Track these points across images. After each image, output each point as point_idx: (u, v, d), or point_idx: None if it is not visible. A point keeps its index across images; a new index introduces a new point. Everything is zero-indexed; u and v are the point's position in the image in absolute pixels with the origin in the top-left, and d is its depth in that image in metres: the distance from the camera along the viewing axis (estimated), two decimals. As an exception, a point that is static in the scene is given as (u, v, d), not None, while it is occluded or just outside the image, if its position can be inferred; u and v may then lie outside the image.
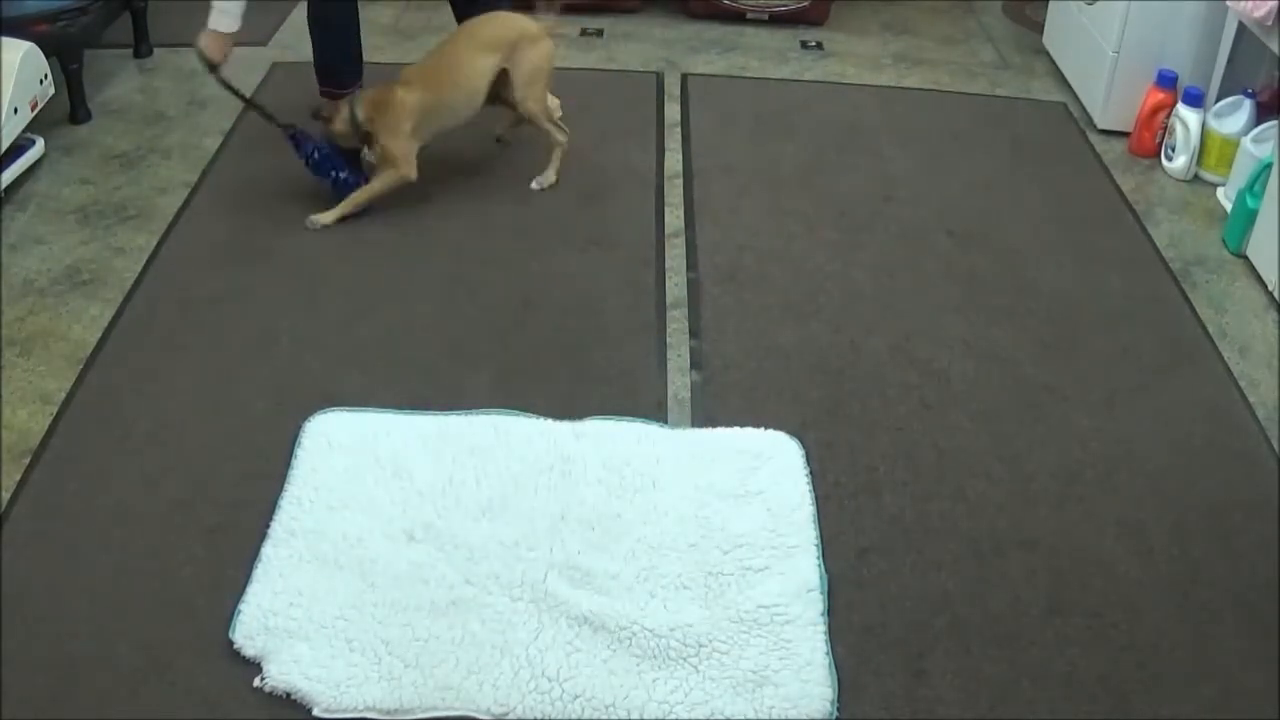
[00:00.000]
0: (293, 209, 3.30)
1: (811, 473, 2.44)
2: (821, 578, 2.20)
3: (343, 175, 3.25)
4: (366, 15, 4.54)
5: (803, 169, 3.59)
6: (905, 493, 2.42)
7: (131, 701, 1.95)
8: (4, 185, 3.27)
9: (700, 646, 2.05)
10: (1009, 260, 3.20)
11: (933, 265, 3.17)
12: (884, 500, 2.40)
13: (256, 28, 4.42)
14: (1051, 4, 4.35)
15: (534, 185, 3.34)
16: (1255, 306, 3.06)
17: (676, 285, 3.05)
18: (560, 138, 3.35)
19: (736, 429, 2.54)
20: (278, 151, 3.61)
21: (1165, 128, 3.69)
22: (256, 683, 1.97)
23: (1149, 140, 3.73)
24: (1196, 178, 3.63)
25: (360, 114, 3.14)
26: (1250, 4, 3.26)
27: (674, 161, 3.61)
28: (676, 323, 2.90)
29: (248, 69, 4.08)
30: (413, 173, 3.18)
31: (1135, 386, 2.76)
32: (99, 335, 2.79)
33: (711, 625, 2.09)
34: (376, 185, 3.19)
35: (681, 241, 3.23)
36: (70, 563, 2.19)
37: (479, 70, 3.18)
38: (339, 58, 3.45)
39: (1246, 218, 3.21)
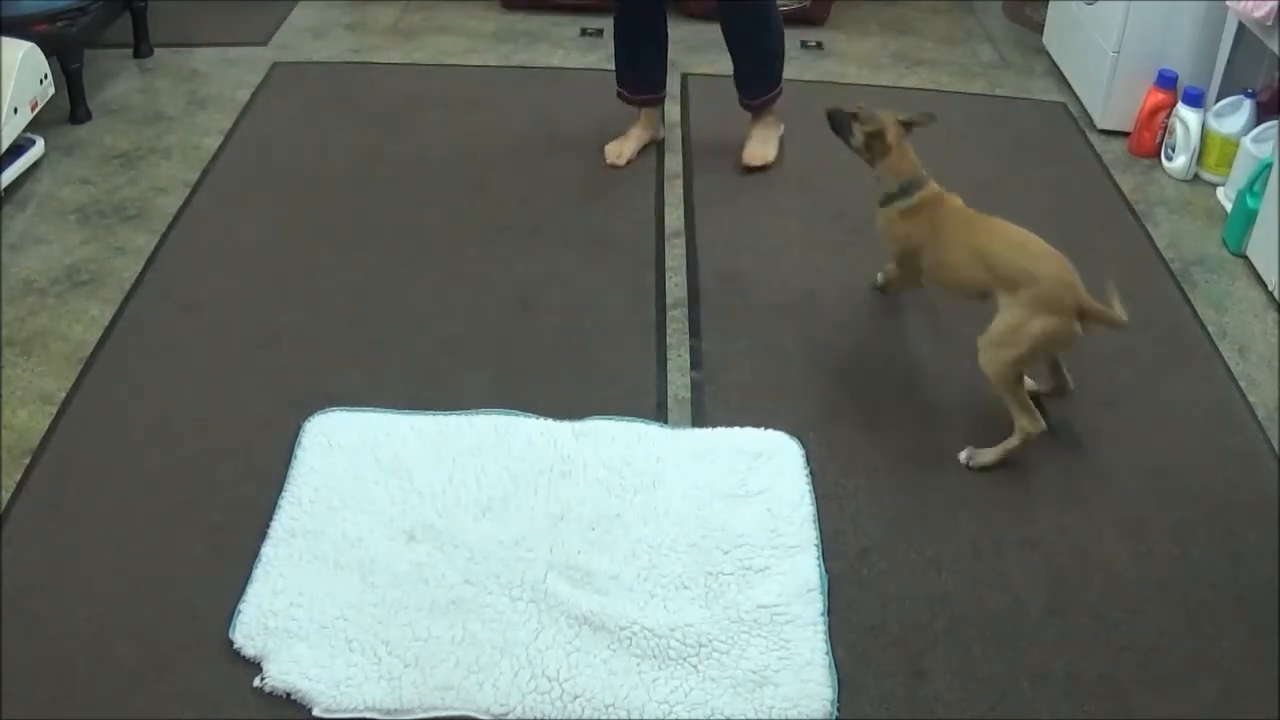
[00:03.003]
0: (293, 208, 3.31)
1: (811, 473, 2.43)
2: (821, 578, 2.20)
3: None
4: (365, 16, 4.57)
5: (803, 169, 3.59)
6: (905, 493, 2.42)
7: (131, 701, 1.95)
8: (4, 185, 3.27)
9: (700, 646, 2.05)
10: (1009, 260, 3.19)
11: (933, 265, 3.16)
12: (884, 500, 2.40)
13: (257, 28, 4.43)
14: (1051, 4, 4.35)
15: (963, 458, 2.50)
16: (1255, 306, 3.06)
17: (676, 285, 3.05)
18: (1025, 423, 2.44)
19: (736, 429, 2.53)
20: (278, 151, 3.62)
21: (1165, 128, 3.69)
22: (256, 683, 1.97)
23: (1149, 140, 3.73)
24: (1196, 178, 3.63)
25: (910, 199, 2.70)
26: (1250, 4, 3.26)
27: (674, 162, 3.61)
28: (676, 323, 2.90)
29: (247, 69, 4.09)
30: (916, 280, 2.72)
31: (1135, 386, 2.75)
32: (99, 335, 2.79)
33: (711, 625, 2.09)
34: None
35: (681, 241, 3.23)
36: (70, 563, 2.19)
37: (967, 266, 2.56)
38: (635, 63, 3.53)
39: (1246, 218, 3.21)
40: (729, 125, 3.82)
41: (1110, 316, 2.43)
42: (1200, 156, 3.60)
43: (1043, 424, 2.45)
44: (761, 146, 3.59)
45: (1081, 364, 2.81)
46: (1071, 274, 2.45)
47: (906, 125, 2.72)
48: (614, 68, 3.59)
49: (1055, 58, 4.29)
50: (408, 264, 3.09)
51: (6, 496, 2.33)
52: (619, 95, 3.58)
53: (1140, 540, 2.33)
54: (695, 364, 2.76)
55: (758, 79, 3.55)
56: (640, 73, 3.53)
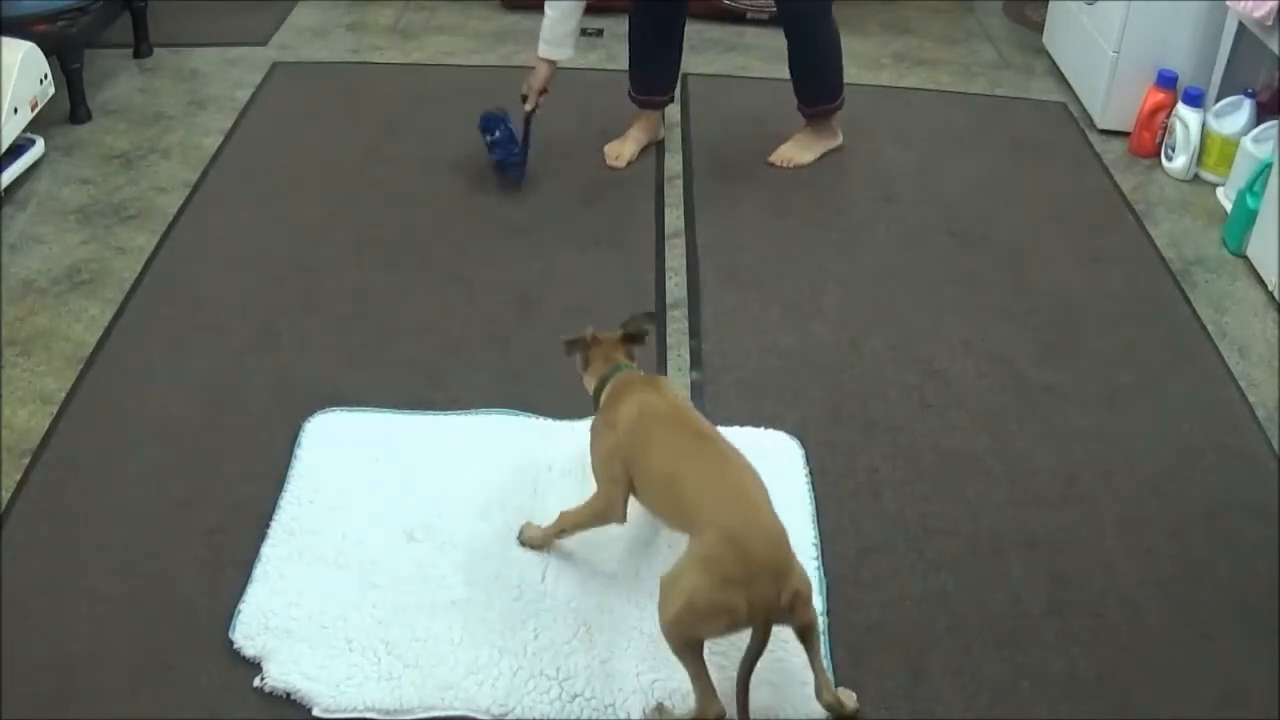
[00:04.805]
0: (293, 209, 3.31)
1: (811, 473, 2.43)
2: (821, 578, 2.19)
3: (501, 158, 3.39)
4: (365, 16, 4.56)
5: (803, 169, 3.59)
6: (905, 493, 2.42)
7: (131, 701, 1.95)
8: (4, 185, 3.27)
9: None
10: (1009, 260, 3.20)
11: (933, 265, 3.17)
12: (884, 500, 2.40)
13: (257, 28, 4.43)
14: (1051, 4, 4.35)
15: None
16: (1255, 306, 3.06)
17: (676, 285, 3.05)
18: (702, 705, 1.87)
19: (736, 429, 2.53)
20: (278, 151, 3.62)
21: (1165, 128, 3.69)
22: (256, 683, 1.97)
23: (1149, 140, 3.73)
24: (1196, 178, 3.63)
25: (603, 395, 2.15)
26: (1250, 4, 3.26)
27: (674, 162, 3.61)
28: (676, 323, 2.90)
29: (248, 69, 4.09)
30: (616, 515, 2.09)
31: (1135, 386, 2.75)
32: (99, 335, 2.79)
33: (711, 625, 2.08)
34: (580, 515, 2.15)
35: (681, 241, 3.23)
36: (70, 563, 2.19)
37: (656, 489, 2.03)
38: (645, 63, 3.53)
39: (1246, 218, 3.21)
40: (729, 125, 3.82)
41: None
42: (1200, 156, 3.60)
43: (720, 709, 1.85)
44: (793, 149, 3.59)
45: (1081, 364, 2.82)
46: (769, 546, 1.83)
47: (628, 338, 2.21)
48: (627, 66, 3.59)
49: (1055, 58, 4.29)
50: (408, 264, 3.09)
51: (6, 496, 2.33)
52: (629, 93, 3.57)
53: (1140, 540, 2.33)
54: (695, 364, 2.76)
55: (811, 90, 3.53)
56: (645, 72, 3.52)
